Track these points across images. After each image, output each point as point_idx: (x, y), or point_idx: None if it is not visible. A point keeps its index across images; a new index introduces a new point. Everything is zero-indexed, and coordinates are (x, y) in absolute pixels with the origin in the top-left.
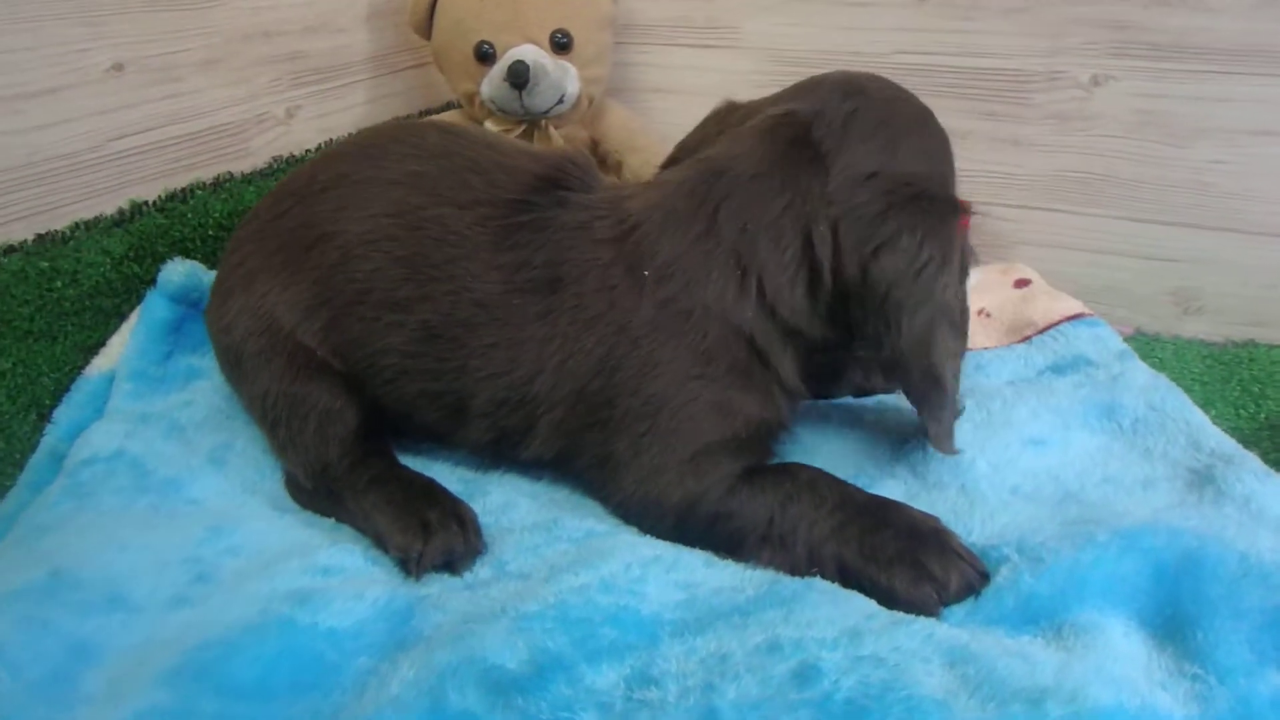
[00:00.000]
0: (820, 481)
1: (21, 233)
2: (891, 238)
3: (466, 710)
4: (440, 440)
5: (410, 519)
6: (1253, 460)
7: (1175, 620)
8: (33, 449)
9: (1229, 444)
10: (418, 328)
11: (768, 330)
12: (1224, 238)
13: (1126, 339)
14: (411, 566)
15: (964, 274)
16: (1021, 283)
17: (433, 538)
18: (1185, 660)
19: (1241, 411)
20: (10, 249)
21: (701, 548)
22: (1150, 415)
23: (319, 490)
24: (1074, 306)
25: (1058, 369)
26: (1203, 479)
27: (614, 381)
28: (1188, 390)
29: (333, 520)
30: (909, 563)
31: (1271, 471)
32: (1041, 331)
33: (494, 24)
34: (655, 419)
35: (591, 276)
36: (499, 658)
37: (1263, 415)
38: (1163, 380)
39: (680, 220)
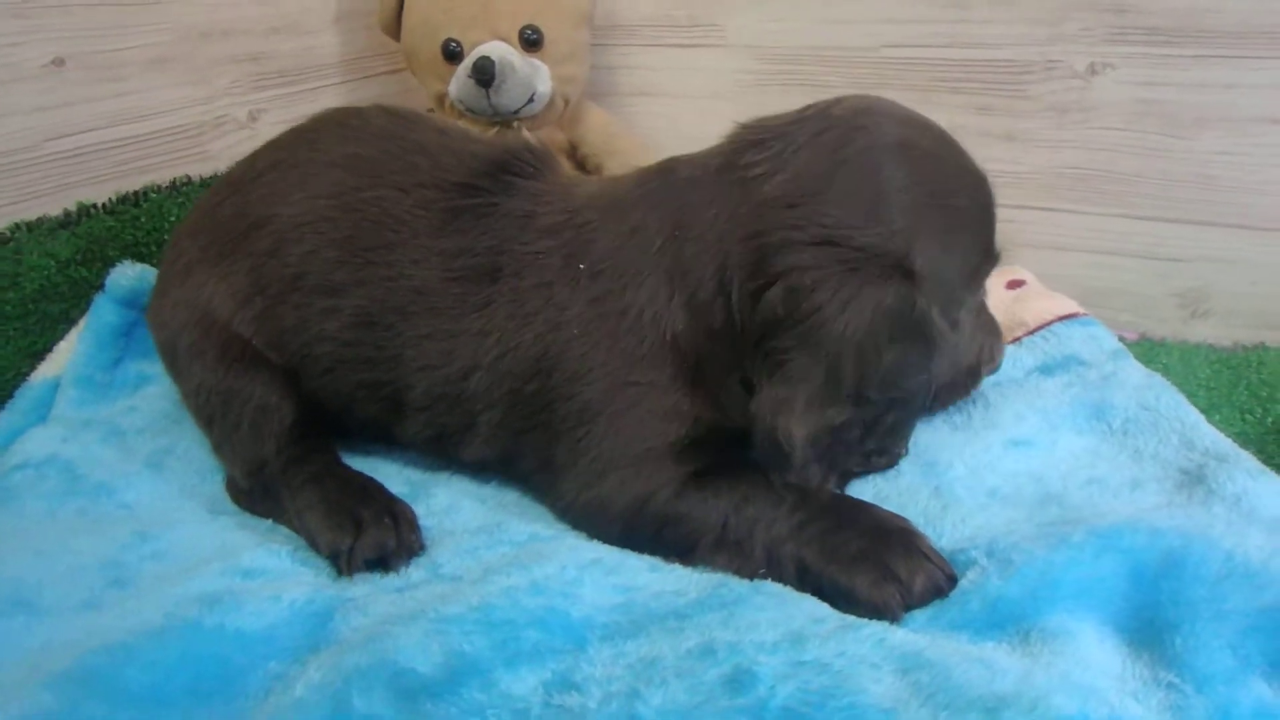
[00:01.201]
0: (775, 484)
1: None
2: (780, 275)
3: (371, 714)
4: (383, 437)
5: (342, 516)
6: (1247, 459)
7: (1153, 624)
8: None
9: (1224, 443)
10: (354, 313)
11: (701, 343)
12: (1233, 234)
13: (1132, 344)
14: (342, 564)
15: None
16: (1015, 284)
17: (364, 534)
18: (1161, 667)
19: (1248, 416)
20: None
21: (651, 553)
22: (1142, 415)
23: (255, 490)
24: (1067, 306)
25: (1046, 369)
26: (1194, 479)
27: (550, 384)
28: (1193, 396)
29: (270, 522)
30: (872, 563)
31: (1267, 470)
32: (1032, 332)
33: (461, 21)
34: (592, 425)
35: (531, 268)
36: (411, 661)
37: (1269, 420)
38: (1157, 379)
39: (619, 214)
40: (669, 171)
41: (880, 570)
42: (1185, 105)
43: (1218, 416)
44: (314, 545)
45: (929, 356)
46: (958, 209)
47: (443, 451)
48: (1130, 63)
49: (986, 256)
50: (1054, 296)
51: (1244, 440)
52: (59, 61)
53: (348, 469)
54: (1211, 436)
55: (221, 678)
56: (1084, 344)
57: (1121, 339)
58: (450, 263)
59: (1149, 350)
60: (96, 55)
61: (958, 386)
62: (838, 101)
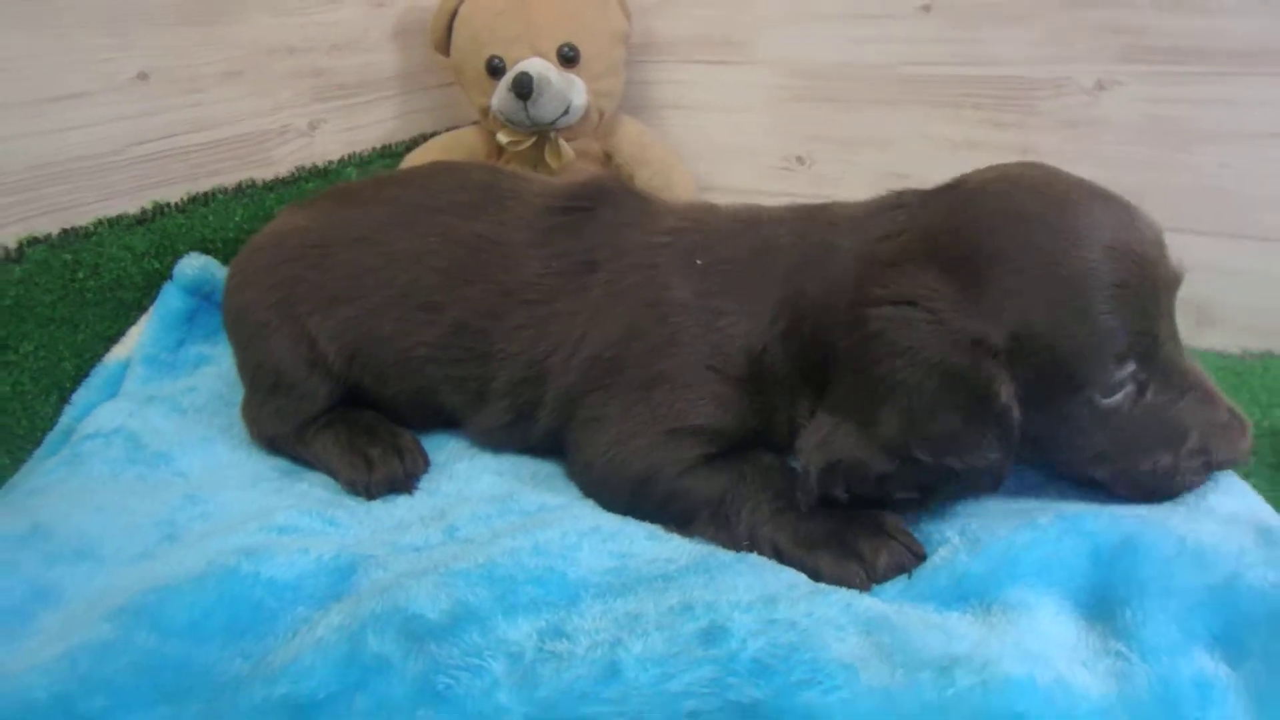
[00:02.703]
0: (774, 470)
1: (46, 226)
2: (862, 323)
3: (382, 654)
4: (449, 427)
5: (355, 456)
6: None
7: (1107, 600)
8: (53, 428)
9: None
10: (450, 324)
11: (779, 369)
12: (1238, 244)
13: None
14: (362, 494)
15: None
16: None
17: (375, 470)
18: (1112, 639)
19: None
20: (35, 240)
21: (654, 521)
22: None
23: (278, 439)
24: None
25: None
26: None
27: (630, 350)
28: None
29: (304, 486)
30: (836, 542)
31: (1235, 477)
32: None
33: (504, 39)
34: (653, 391)
35: (635, 258)
36: (420, 608)
37: (1267, 423)
38: None
39: (753, 232)
40: (822, 210)
41: (843, 549)
42: (1190, 120)
43: None
44: (335, 479)
45: (991, 435)
46: (1075, 282)
47: (510, 440)
48: (1137, 80)
49: (1137, 335)
50: None
51: None
52: (144, 75)
53: (353, 412)
54: None
55: (254, 618)
56: None
57: None
58: (548, 263)
59: None
60: (177, 69)
61: (1147, 473)
62: (989, 170)
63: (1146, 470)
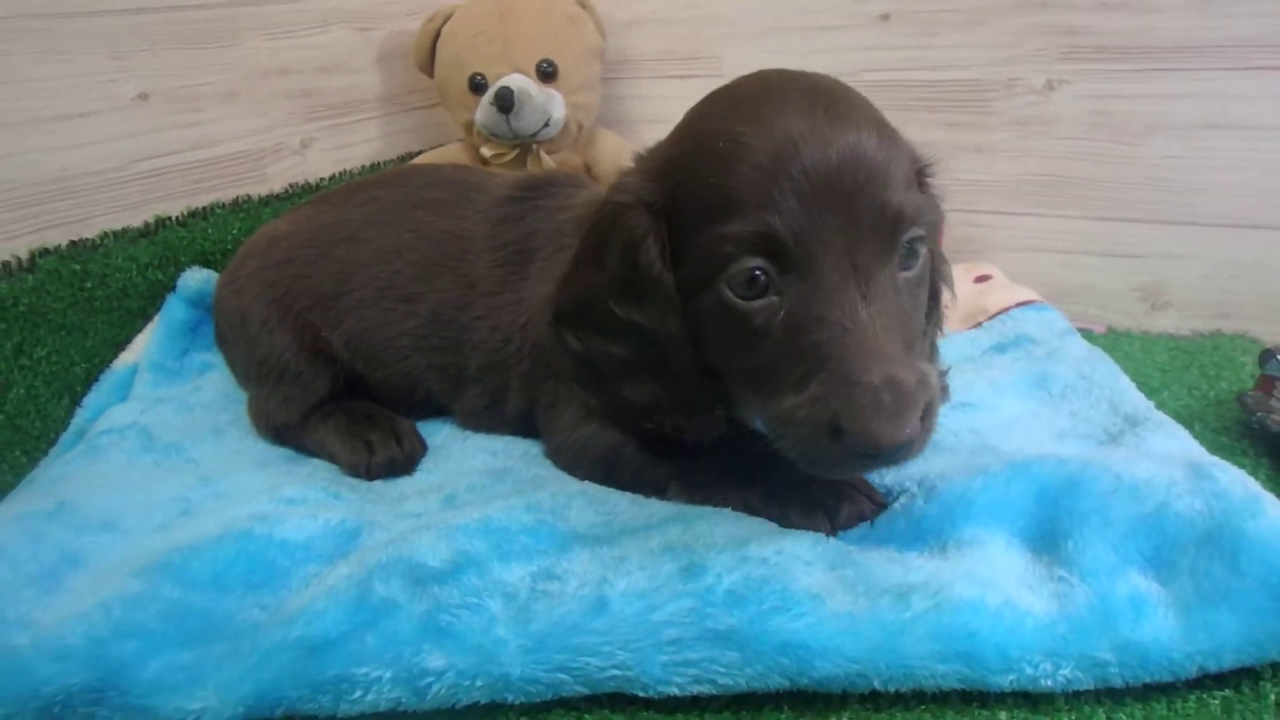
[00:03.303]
0: (735, 433)
1: (57, 238)
2: None
3: (389, 597)
4: (442, 413)
5: (355, 441)
6: (1160, 418)
7: (1052, 535)
8: (64, 429)
9: (1144, 406)
10: (427, 314)
11: None
12: (1185, 232)
13: (1100, 336)
14: (363, 477)
15: None
16: (982, 278)
17: (375, 453)
18: (1056, 566)
19: (1194, 391)
20: (46, 251)
21: (630, 491)
22: (1080, 383)
23: (281, 427)
24: (1026, 295)
25: (1000, 348)
26: (1113, 437)
27: None
28: (1149, 378)
29: (310, 468)
30: (802, 496)
31: (1172, 423)
32: (991, 317)
33: (486, 57)
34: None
35: (563, 240)
36: (423, 557)
37: (1214, 394)
38: (1098, 352)
39: None
40: None
41: (810, 502)
42: (1134, 115)
43: (1167, 393)
44: (335, 463)
45: (651, 292)
46: (718, 155)
47: (492, 423)
48: (1083, 78)
49: (764, 228)
50: (1015, 288)
51: (1189, 411)
52: (144, 96)
53: (351, 402)
54: (1134, 403)
55: (269, 574)
56: (1036, 325)
57: (1090, 332)
58: (495, 254)
59: (1115, 341)
60: (176, 90)
61: (783, 423)
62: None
63: (781, 419)
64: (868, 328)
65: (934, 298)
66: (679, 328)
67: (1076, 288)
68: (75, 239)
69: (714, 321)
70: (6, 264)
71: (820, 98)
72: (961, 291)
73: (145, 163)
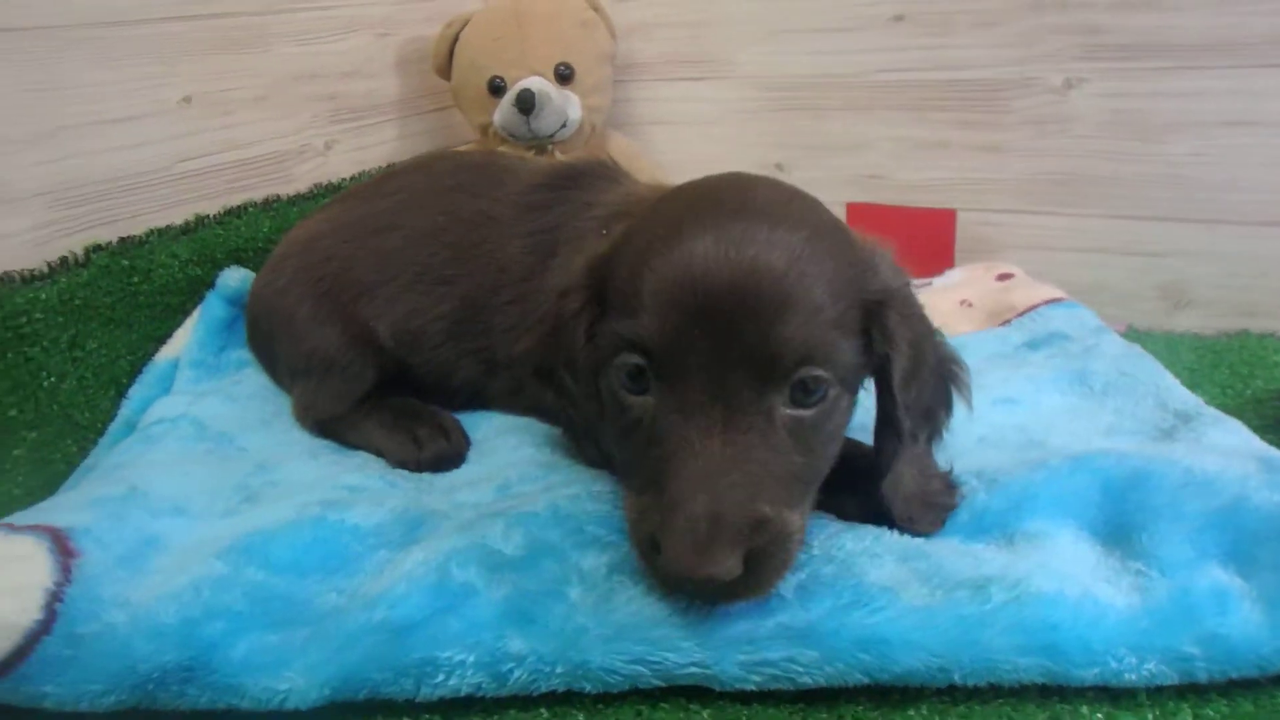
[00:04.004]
0: None
1: (107, 235)
2: None
3: (467, 582)
4: (476, 400)
5: (403, 435)
6: (1214, 413)
7: (1122, 528)
8: (111, 420)
9: (1193, 401)
10: (460, 297)
11: None
12: (1208, 230)
13: (1119, 336)
14: (412, 472)
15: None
16: (1004, 276)
17: (424, 448)
18: (1131, 559)
19: (1228, 391)
20: (98, 247)
21: None
22: (1121, 380)
23: (328, 422)
24: (1054, 292)
25: (1033, 345)
26: (1165, 432)
27: None
28: (1177, 376)
29: (361, 458)
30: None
31: (1227, 418)
32: (1020, 314)
33: (504, 61)
34: None
35: (583, 229)
36: (498, 544)
37: (1249, 393)
38: (1136, 349)
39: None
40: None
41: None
42: (1154, 113)
43: (1200, 392)
44: (382, 457)
45: (564, 354)
46: (631, 270)
47: (523, 405)
48: (1102, 77)
49: (633, 336)
50: (1040, 285)
51: (1226, 411)
52: (187, 99)
53: (395, 399)
54: (1183, 399)
55: (343, 559)
56: (1068, 322)
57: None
58: (525, 240)
59: (1135, 340)
60: (214, 94)
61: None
62: (710, 177)
63: (626, 513)
64: (715, 456)
65: (945, 405)
66: (595, 402)
67: (1093, 286)
68: (124, 236)
69: (608, 404)
70: (64, 259)
71: (746, 217)
72: (983, 289)
73: (187, 163)
